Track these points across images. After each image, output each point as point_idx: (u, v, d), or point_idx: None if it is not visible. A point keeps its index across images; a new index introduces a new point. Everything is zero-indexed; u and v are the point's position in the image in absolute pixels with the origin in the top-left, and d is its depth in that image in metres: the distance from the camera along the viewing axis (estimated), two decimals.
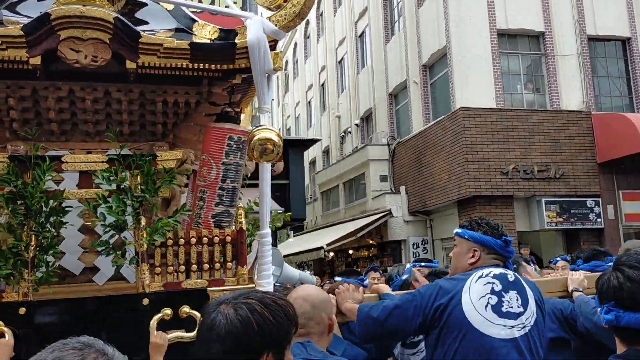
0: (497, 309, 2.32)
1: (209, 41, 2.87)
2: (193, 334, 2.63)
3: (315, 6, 22.57)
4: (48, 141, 3.00)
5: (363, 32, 19.74)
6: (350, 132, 20.43)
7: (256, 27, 2.74)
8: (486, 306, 2.33)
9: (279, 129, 30.64)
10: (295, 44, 28.92)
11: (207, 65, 2.74)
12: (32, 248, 2.64)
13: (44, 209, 2.72)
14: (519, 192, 12.60)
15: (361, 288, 2.97)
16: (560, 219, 12.59)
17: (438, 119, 14.00)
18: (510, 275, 2.46)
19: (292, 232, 19.52)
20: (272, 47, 2.81)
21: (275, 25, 2.81)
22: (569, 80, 13.44)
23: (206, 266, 2.82)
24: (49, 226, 2.72)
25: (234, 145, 2.98)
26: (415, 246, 14.96)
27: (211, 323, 1.33)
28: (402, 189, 15.48)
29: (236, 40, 2.79)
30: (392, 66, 17.06)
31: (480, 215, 12.35)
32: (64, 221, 2.80)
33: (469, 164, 12.45)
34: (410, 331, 2.54)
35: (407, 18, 15.87)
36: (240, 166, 3.03)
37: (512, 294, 2.37)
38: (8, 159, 2.77)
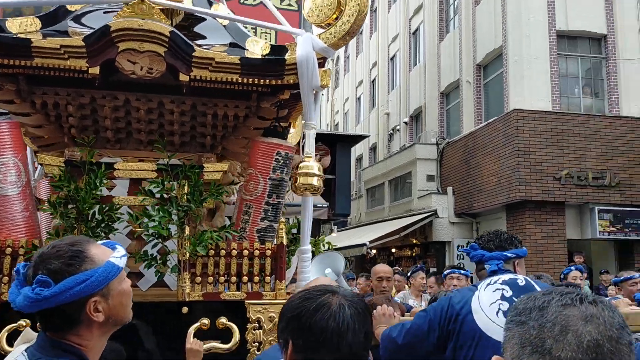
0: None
1: (260, 57, 2.93)
2: (228, 345, 2.68)
3: (369, 1, 22.47)
4: (103, 148, 3.10)
5: (417, 29, 19.51)
6: (398, 130, 20.26)
7: (306, 44, 2.80)
8: (497, 312, 2.31)
9: (327, 125, 30.73)
10: None
11: (256, 80, 2.80)
12: None
13: (96, 214, 2.82)
14: (571, 198, 12.21)
15: (398, 313, 2.91)
16: (614, 229, 12.13)
17: (490, 120, 13.71)
18: (521, 280, 2.42)
19: (335, 227, 19.54)
20: (321, 65, 2.87)
21: (325, 42, 2.87)
22: (630, 85, 12.90)
23: (245, 279, 2.87)
24: (99, 231, 2.81)
25: (282, 161, 3.03)
26: (459, 248, 14.73)
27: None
28: (449, 189, 15.26)
29: (286, 57, 2.85)
30: (445, 65, 16.80)
31: (530, 220, 12.08)
32: (114, 227, 2.90)
33: (520, 168, 12.14)
34: (430, 348, 2.49)
35: (463, 16, 15.58)
36: (285, 182, 3.07)
37: None
38: (64, 164, 2.89)
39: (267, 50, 2.99)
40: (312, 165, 2.85)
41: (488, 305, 2.33)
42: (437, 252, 15.61)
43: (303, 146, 3.00)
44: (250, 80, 2.79)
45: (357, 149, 22.83)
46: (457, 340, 2.34)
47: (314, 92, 2.88)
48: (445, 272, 5.62)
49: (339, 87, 30.39)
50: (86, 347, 1.36)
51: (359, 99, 26.53)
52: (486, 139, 13.62)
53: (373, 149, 23.30)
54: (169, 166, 2.91)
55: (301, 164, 2.88)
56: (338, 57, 30.34)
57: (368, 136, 17.35)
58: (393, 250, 18.93)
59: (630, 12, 13.09)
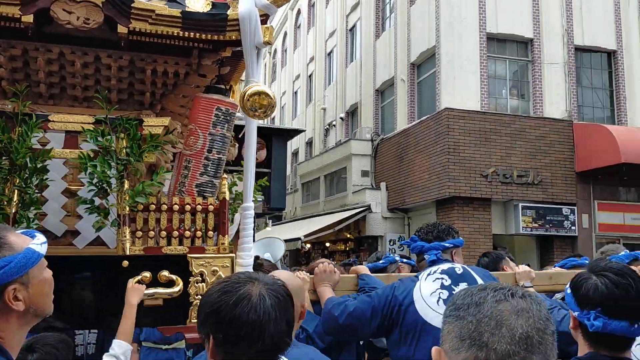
0: None
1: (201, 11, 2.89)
2: (171, 290, 2.67)
3: None
4: (36, 103, 3.00)
5: (354, 26, 19.70)
6: (334, 125, 20.42)
7: (248, 0, 2.77)
8: (438, 301, 2.41)
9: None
10: (285, 34, 28.75)
11: (197, 35, 2.75)
12: (15, 204, 2.64)
13: (29, 165, 2.72)
14: (497, 195, 12.74)
15: (337, 270, 3.02)
16: (536, 225, 12.77)
17: (422, 118, 14.06)
18: (459, 269, 2.55)
19: (270, 220, 19.48)
20: (263, 22, 2.84)
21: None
22: (553, 88, 13.60)
23: (187, 234, 2.85)
24: (32, 184, 2.72)
25: (222, 117, 3.00)
26: (392, 242, 15.06)
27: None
28: (383, 185, 15.55)
29: (228, 12, 2.80)
30: (380, 62, 17.07)
31: (458, 215, 12.51)
32: (47, 184, 2.80)
33: (450, 165, 12.54)
34: (369, 332, 2.60)
35: (399, 15, 15.87)
36: (226, 138, 3.05)
37: (463, 286, 2.42)
38: None
39: (208, 8, 2.94)
40: (262, 86, 2.77)
41: (429, 295, 2.42)
42: (370, 246, 15.87)
43: None
44: (192, 35, 2.74)
45: (294, 143, 22.83)
46: (400, 329, 2.43)
47: (257, 49, 2.85)
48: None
49: (276, 81, 30.25)
50: (3, 339, 1.29)
51: (295, 93, 26.51)
52: (419, 136, 13.97)
53: (309, 143, 23.37)
54: (107, 119, 2.81)
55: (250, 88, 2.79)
56: (275, 51, 30.18)
57: (304, 130, 17.37)
58: (327, 244, 19.11)
59: (555, 19, 13.77)
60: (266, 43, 2.84)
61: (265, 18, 2.87)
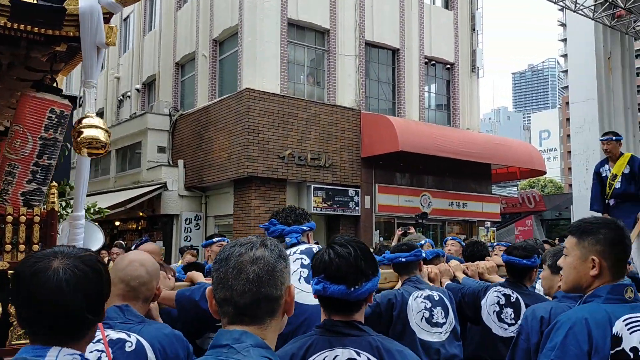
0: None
1: (34, 1, 2.55)
2: None
3: None
4: None
5: None
6: (129, 96, 19.18)
7: None
8: (299, 279, 2.57)
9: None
10: None
11: (29, 27, 2.48)
12: None
13: None
14: (293, 176, 13.31)
15: (172, 276, 2.91)
16: (325, 205, 13.67)
17: (223, 97, 13.98)
18: (315, 249, 2.72)
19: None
20: (107, 20, 2.67)
21: None
22: (346, 78, 14.59)
23: (8, 247, 2.58)
24: None
25: (55, 119, 2.77)
26: (188, 221, 14.78)
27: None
28: (181, 162, 15.12)
29: (66, 6, 2.55)
30: (181, 35, 16.46)
31: (255, 195, 12.77)
32: None
33: (249, 145, 12.71)
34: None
35: None
36: (58, 142, 2.80)
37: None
38: None
39: None
40: (95, 120, 2.65)
41: (291, 274, 2.44)
42: (164, 225, 15.37)
43: (81, 105, 2.74)
44: (22, 26, 2.45)
45: (81, 113, 20.86)
46: None
47: (97, 48, 2.66)
48: None
49: None
50: None
51: None
52: (219, 114, 13.86)
53: (100, 114, 21.55)
54: None
55: (84, 120, 2.63)
56: None
57: (94, 100, 15.97)
58: (117, 223, 17.98)
59: (350, 13, 14.74)
60: (109, 44, 2.66)
61: (108, 17, 2.68)
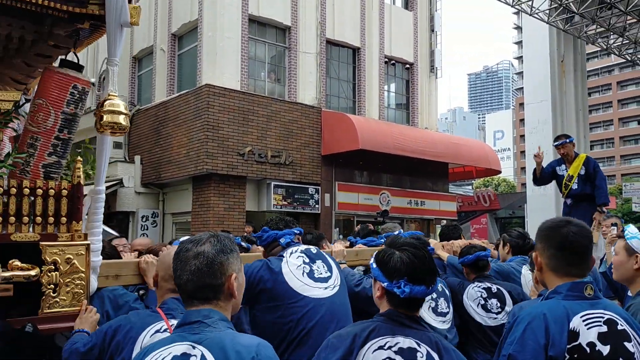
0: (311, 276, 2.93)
1: None
2: (29, 273, 2.47)
3: None
4: None
5: None
6: None
7: None
8: (303, 274, 2.90)
9: None
10: None
11: (55, 4, 2.49)
12: None
13: None
14: (252, 174, 13.22)
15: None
16: (285, 203, 13.63)
17: (182, 92, 13.75)
18: (313, 249, 3.13)
19: None
20: (130, 0, 2.71)
21: None
22: (307, 76, 14.58)
23: (39, 219, 2.61)
24: None
25: (77, 95, 2.82)
26: (144, 219, 14.48)
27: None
28: (137, 158, 14.80)
29: None
30: (139, 28, 16.05)
31: (214, 192, 12.62)
32: None
33: (209, 142, 12.55)
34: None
35: None
36: (78, 117, 2.86)
37: (319, 263, 3.02)
38: None
39: None
40: (118, 103, 2.69)
41: (295, 268, 2.92)
42: (120, 222, 15.00)
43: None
44: (48, 2, 2.45)
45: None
46: (270, 297, 2.82)
47: (121, 28, 2.69)
48: None
49: None
50: None
51: None
52: (178, 110, 13.63)
53: None
54: None
55: (106, 102, 2.67)
56: None
57: (116, 79, 15.47)
58: None
59: (311, 10, 14.73)
60: (132, 23, 2.70)
61: None
